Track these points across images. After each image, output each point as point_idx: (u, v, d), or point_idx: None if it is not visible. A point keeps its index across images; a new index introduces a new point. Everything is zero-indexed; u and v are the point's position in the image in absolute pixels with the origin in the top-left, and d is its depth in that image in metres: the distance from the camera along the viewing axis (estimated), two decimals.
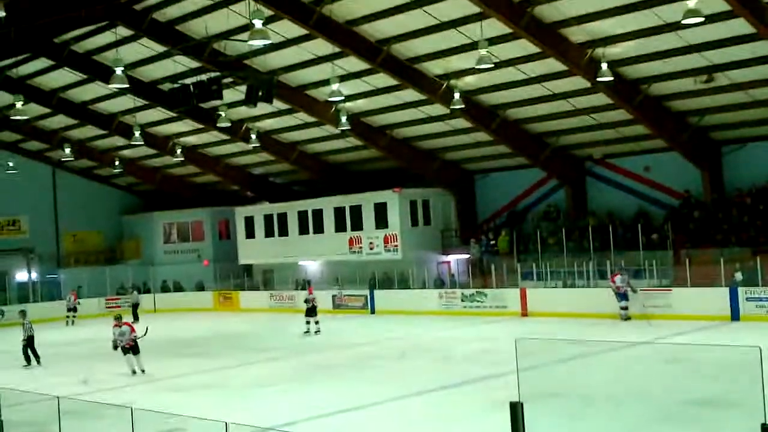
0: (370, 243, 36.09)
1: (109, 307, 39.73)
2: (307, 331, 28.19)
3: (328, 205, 37.93)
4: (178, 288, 43.60)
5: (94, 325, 34.97)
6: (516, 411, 6.59)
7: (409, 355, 22.45)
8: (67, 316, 37.29)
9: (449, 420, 14.42)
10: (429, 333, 26.86)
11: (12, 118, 31.62)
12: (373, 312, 33.89)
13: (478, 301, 30.81)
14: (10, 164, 40.92)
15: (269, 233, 40.70)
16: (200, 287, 43.14)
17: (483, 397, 15.83)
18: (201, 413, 15.76)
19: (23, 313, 25.33)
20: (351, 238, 36.85)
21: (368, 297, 34.52)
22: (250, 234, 41.69)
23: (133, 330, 21.64)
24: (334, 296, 35.68)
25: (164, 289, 43.86)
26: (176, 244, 45.74)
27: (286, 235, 39.85)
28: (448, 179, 36.29)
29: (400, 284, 34.68)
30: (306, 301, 28.90)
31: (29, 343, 24.02)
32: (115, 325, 21.64)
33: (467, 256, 34.37)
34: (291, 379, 19.46)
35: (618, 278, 26.47)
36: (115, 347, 21.58)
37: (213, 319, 37.04)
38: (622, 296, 26.29)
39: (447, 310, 31.47)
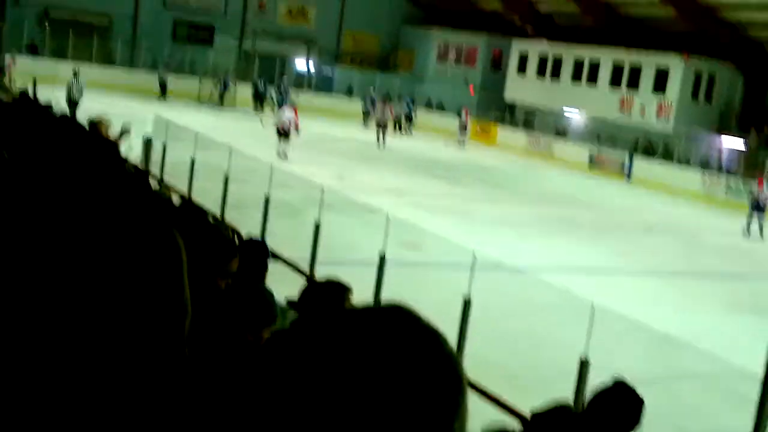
0: (642, 107, 34.38)
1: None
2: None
3: (606, 56, 36.17)
4: (440, 108, 43.99)
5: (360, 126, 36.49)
6: None
7: (656, 231, 21.66)
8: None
9: (682, 311, 13.90)
10: (682, 214, 25.69)
11: None
12: (628, 178, 32.74)
13: (744, 194, 28.85)
14: None
15: (541, 73, 39.72)
16: (459, 113, 43.25)
17: (723, 295, 15.10)
18: (441, 236, 16.23)
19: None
20: (624, 97, 35.23)
21: (627, 163, 33.27)
22: (521, 70, 40.93)
23: (296, 119, 24.94)
24: (591, 155, 34.72)
25: (428, 106, 44.38)
26: (448, 64, 45.80)
27: (558, 79, 38.74)
28: (740, 56, 33.29)
29: (663, 156, 33.07)
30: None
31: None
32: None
33: (743, 142, 31.99)
34: (533, 225, 19.47)
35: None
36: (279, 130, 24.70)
37: (466, 148, 37.25)
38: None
39: (708, 195, 29.82)
